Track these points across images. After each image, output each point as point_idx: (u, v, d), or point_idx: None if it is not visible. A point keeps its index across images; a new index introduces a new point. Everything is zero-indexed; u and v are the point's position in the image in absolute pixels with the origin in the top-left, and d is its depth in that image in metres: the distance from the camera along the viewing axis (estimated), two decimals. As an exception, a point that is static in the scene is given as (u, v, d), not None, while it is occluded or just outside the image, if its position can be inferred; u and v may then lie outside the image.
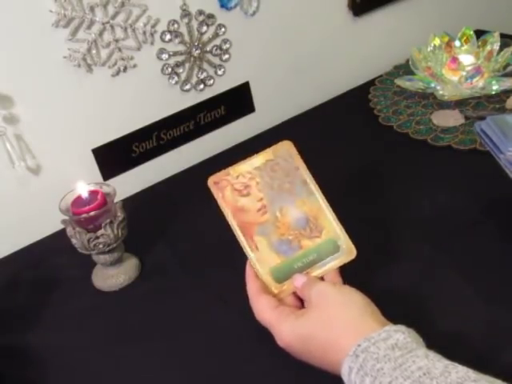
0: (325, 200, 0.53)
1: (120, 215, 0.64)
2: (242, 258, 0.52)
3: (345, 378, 0.41)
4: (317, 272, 0.51)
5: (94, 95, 0.79)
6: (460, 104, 0.89)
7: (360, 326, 0.43)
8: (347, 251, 0.52)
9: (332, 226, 0.52)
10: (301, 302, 0.50)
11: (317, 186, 0.53)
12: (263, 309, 0.48)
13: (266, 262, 0.51)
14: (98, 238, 0.62)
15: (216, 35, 0.86)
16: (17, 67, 0.71)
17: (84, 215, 0.61)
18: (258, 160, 0.54)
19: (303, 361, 0.46)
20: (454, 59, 0.88)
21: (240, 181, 0.53)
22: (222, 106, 0.92)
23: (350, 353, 0.41)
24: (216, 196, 0.53)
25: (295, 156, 0.54)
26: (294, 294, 0.51)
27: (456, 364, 0.38)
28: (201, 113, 0.91)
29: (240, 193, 0.53)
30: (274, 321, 0.47)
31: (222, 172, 0.53)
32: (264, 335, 0.48)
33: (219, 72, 0.89)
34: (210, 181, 0.53)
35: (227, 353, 0.55)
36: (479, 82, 0.88)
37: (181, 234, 0.75)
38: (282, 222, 0.52)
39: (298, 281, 0.50)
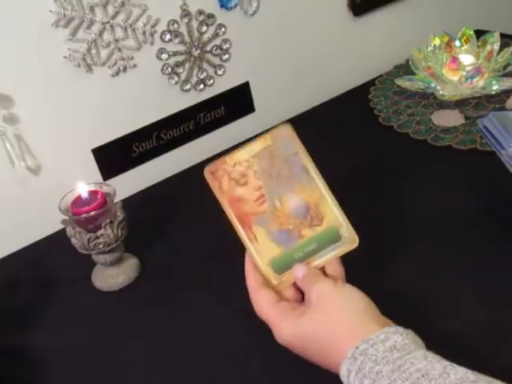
0: (326, 186, 0.50)
1: (120, 215, 0.64)
2: (242, 257, 0.51)
3: (344, 380, 0.41)
4: (318, 261, 0.50)
5: (93, 95, 0.79)
6: (460, 104, 0.89)
7: (359, 328, 0.43)
8: (349, 240, 0.50)
9: (334, 214, 0.50)
10: (301, 294, 0.49)
11: (318, 171, 0.50)
12: (263, 304, 0.48)
13: (265, 253, 0.49)
14: (97, 238, 0.62)
15: (216, 35, 0.86)
16: (17, 67, 0.71)
17: (84, 215, 0.61)
18: (255, 146, 0.50)
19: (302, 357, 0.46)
20: (454, 59, 0.88)
21: (237, 169, 0.50)
22: (221, 105, 0.92)
23: (349, 355, 0.40)
24: (212, 186, 0.50)
25: (295, 140, 0.51)
26: (294, 285, 0.49)
27: (455, 365, 0.38)
28: (201, 113, 0.91)
29: (237, 182, 0.50)
30: (274, 318, 0.46)
31: (219, 160, 0.50)
32: (264, 335, 0.48)
33: (219, 72, 0.89)
34: (207, 171, 0.50)
35: (227, 353, 0.55)
36: (479, 82, 0.88)
37: (181, 234, 0.75)
38: (281, 211, 0.50)
39: (299, 272, 0.49)
